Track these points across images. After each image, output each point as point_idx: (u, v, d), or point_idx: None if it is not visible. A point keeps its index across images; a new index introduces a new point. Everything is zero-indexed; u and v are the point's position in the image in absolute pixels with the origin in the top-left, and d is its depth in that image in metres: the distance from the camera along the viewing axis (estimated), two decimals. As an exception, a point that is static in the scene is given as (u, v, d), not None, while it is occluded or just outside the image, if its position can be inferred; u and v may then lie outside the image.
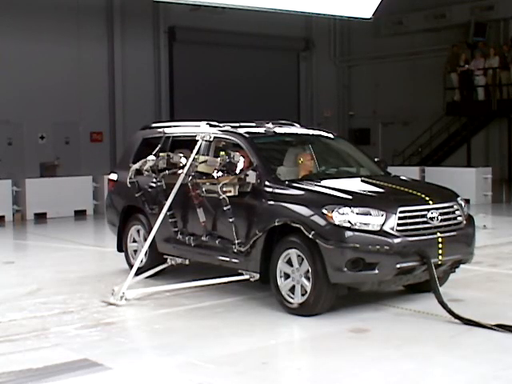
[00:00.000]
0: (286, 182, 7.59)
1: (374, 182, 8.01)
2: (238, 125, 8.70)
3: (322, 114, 26.98)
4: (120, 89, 22.13)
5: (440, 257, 7.09)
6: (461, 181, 17.88)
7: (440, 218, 7.22)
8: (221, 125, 8.63)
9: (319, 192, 7.35)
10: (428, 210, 7.18)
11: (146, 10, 22.25)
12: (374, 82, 26.01)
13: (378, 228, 6.86)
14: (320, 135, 9.11)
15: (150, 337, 6.76)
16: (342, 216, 6.85)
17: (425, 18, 24.32)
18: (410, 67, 24.76)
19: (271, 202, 7.39)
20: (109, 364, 5.75)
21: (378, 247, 6.77)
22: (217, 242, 7.89)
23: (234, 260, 7.74)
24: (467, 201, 17.35)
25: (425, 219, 7.11)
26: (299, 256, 7.07)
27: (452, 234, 7.28)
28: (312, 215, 6.99)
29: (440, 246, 7.09)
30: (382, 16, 21.36)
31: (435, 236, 7.10)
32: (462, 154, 23.19)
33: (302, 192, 7.38)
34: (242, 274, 7.75)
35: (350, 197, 7.14)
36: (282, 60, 25.92)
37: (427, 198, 7.31)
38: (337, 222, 6.84)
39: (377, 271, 6.80)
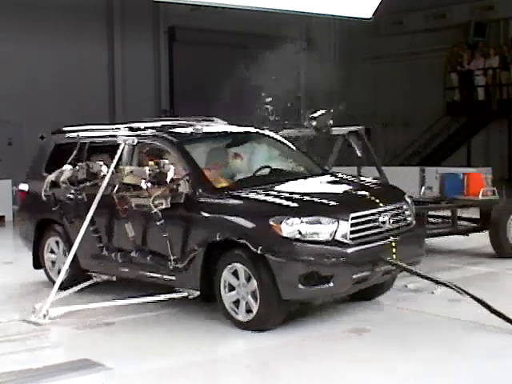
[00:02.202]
0: (225, 191, 6.98)
1: (318, 184, 7.51)
2: (159, 125, 8.00)
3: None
4: (120, 88, 22.11)
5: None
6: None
7: (391, 220, 6.82)
8: (142, 127, 7.88)
9: (263, 201, 6.76)
10: (379, 213, 6.75)
11: (145, 10, 22.23)
12: (374, 81, 25.99)
13: (331, 237, 6.37)
14: (254, 133, 8.38)
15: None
16: (292, 227, 6.32)
17: (425, 17, 24.29)
18: (409, 67, 24.72)
19: (208, 214, 6.79)
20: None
21: (333, 259, 6.30)
22: (148, 258, 7.27)
23: (169, 277, 7.13)
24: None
25: (377, 224, 6.69)
26: (247, 273, 6.53)
27: (404, 236, 6.89)
28: (258, 228, 6.45)
29: (394, 250, 6.69)
30: (382, 16, 21.30)
31: (388, 241, 6.69)
32: (461, 154, 23.18)
33: (243, 202, 6.79)
34: (178, 291, 7.17)
35: (297, 205, 6.61)
36: (281, 60, 25.90)
37: (377, 201, 6.88)
38: (286, 234, 6.31)
39: (332, 284, 6.33)
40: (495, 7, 22.64)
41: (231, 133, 8.32)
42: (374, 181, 7.96)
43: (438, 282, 6.88)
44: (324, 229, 6.37)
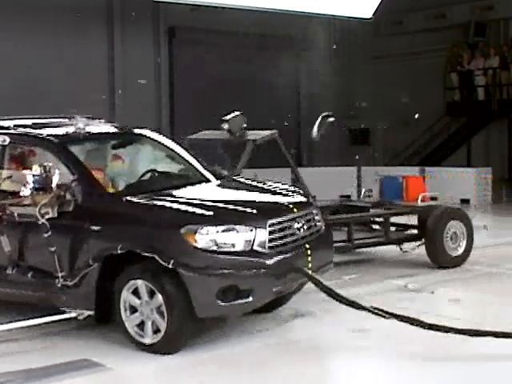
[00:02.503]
0: (122, 197, 6.29)
1: (225, 190, 7.07)
2: (32, 123, 7.14)
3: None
4: (120, 88, 22.11)
5: (310, 271, 6.32)
6: (461, 181, 17.92)
7: (305, 226, 6.46)
8: (8, 124, 6.98)
9: (170, 208, 6.12)
10: (294, 219, 6.36)
11: (145, 10, 22.23)
12: (374, 81, 25.97)
13: (248, 247, 5.89)
14: (138, 134, 7.59)
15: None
16: (207, 237, 5.77)
17: (425, 18, 24.28)
18: (409, 67, 24.72)
19: (103, 224, 6.03)
20: None
21: (253, 270, 5.83)
22: (29, 275, 6.36)
23: (55, 296, 6.26)
24: (467, 201, 17.51)
25: (292, 230, 6.29)
26: (148, 287, 5.88)
27: (316, 242, 6.57)
28: (168, 239, 5.81)
29: (309, 259, 6.35)
30: (382, 16, 21.31)
31: (303, 248, 6.34)
32: (462, 154, 23.17)
33: (146, 209, 6.14)
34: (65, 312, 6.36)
35: (211, 212, 6.02)
36: (282, 60, 25.89)
37: (291, 206, 6.49)
38: (201, 246, 5.74)
39: (251, 298, 5.86)
40: (495, 7, 22.63)
41: (113, 133, 7.53)
42: (284, 185, 7.44)
43: (348, 303, 6.21)
44: (241, 238, 5.87)
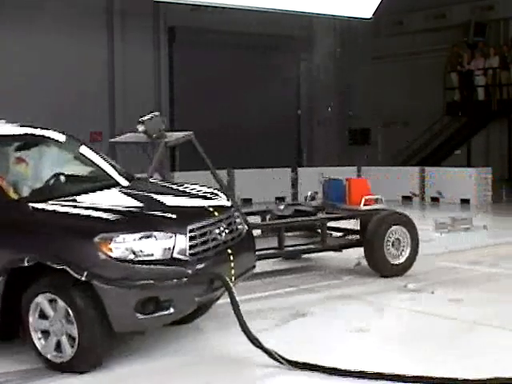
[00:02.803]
0: (28, 204, 5.74)
1: (141, 194, 6.52)
2: None
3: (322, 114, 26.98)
4: (120, 88, 22.11)
5: (233, 278, 6.00)
6: (461, 181, 17.92)
7: (226, 230, 6.10)
8: None
9: (81, 215, 5.68)
10: (215, 223, 6.00)
11: (145, 10, 22.24)
12: (373, 81, 25.98)
13: (169, 255, 5.51)
14: (47, 137, 7.01)
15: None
16: (123, 245, 5.36)
17: (425, 18, 24.29)
18: (410, 67, 24.72)
19: (6, 235, 5.56)
20: None
21: (174, 280, 5.45)
22: None
23: None
24: (467, 201, 17.53)
25: (213, 235, 5.92)
26: (59, 303, 5.42)
27: (238, 247, 6.22)
28: (80, 249, 5.36)
29: (232, 265, 6.01)
30: (382, 16, 21.32)
31: (225, 254, 5.99)
32: (462, 154, 23.18)
33: (55, 217, 5.63)
34: None
35: (127, 219, 5.64)
36: (282, 60, 25.89)
37: (211, 209, 6.13)
38: (116, 255, 5.33)
39: (172, 310, 5.49)
40: (495, 7, 22.64)
41: (16, 135, 6.85)
42: (203, 188, 6.96)
43: (253, 342, 5.72)
44: (160, 245, 5.49)
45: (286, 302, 7.73)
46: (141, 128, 8.82)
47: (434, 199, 18.20)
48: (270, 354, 5.61)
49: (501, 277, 9.02)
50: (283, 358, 5.59)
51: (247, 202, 17.20)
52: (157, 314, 5.45)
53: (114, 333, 5.50)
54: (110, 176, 6.79)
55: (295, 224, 9.32)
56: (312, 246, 9.08)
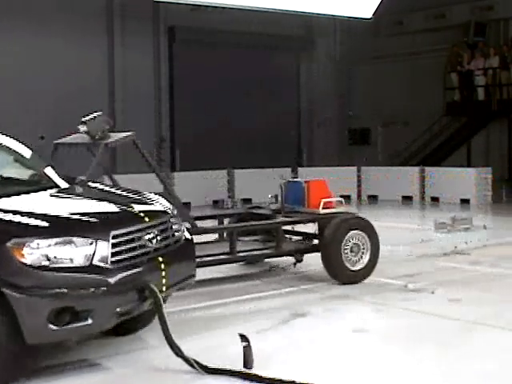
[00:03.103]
0: None
1: (68, 198, 6.23)
2: None
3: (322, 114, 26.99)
4: (120, 88, 22.12)
5: (164, 288, 5.68)
6: (461, 181, 17.93)
7: (159, 237, 5.77)
8: None
9: None
10: (144, 229, 5.68)
11: (145, 10, 22.23)
12: (374, 81, 25.99)
13: (87, 262, 5.21)
14: None
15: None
16: (37, 251, 5.05)
17: (425, 18, 24.28)
18: (410, 67, 24.72)
19: None
20: None
21: (92, 289, 5.15)
22: None
23: None
24: (467, 201, 17.54)
25: (142, 242, 5.61)
26: None
27: (173, 255, 5.88)
28: None
29: (163, 273, 5.67)
30: (382, 16, 21.34)
31: (156, 262, 5.65)
32: (462, 154, 23.18)
33: None
34: None
35: (46, 223, 5.29)
36: (282, 60, 25.90)
37: (142, 215, 5.81)
38: (30, 261, 5.02)
39: (90, 321, 5.17)
40: (495, 7, 22.64)
41: None
42: (143, 193, 6.70)
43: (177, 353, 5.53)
44: (78, 252, 5.21)
45: (286, 302, 7.73)
46: (82, 128, 8.40)
47: (434, 199, 18.22)
48: (191, 364, 5.44)
49: (501, 277, 9.02)
50: (202, 366, 5.43)
51: (247, 202, 17.20)
52: (73, 326, 5.14)
53: (27, 345, 5.11)
54: (47, 179, 6.48)
55: (249, 228, 9.05)
56: (266, 251, 8.75)
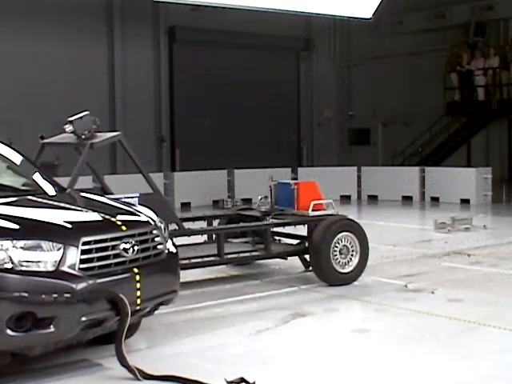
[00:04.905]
0: None
1: (45, 203, 6.07)
2: None
3: (321, 114, 26.98)
4: (120, 88, 22.12)
5: (138, 300, 5.50)
6: (461, 181, 17.93)
7: (136, 248, 5.61)
8: None
9: None
10: (120, 238, 5.52)
11: (145, 10, 22.24)
12: (374, 81, 25.99)
13: (53, 268, 5.09)
14: None
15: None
16: (2, 253, 4.99)
17: (425, 17, 24.28)
18: (410, 67, 24.73)
19: None
20: None
21: (55, 296, 4.99)
22: None
23: None
24: (467, 201, 17.54)
25: (117, 251, 5.46)
26: None
27: (152, 268, 5.71)
28: None
29: (138, 285, 5.49)
30: (382, 16, 21.32)
31: (131, 273, 5.48)
32: (461, 154, 23.19)
33: None
34: None
35: (17, 226, 5.21)
36: (282, 60, 25.90)
37: (119, 223, 5.66)
38: None
39: (53, 329, 5.01)
40: (495, 7, 22.64)
41: None
42: (131, 202, 6.66)
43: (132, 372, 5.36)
44: (45, 256, 5.09)
45: (286, 302, 7.73)
46: (68, 128, 8.27)
47: (434, 199, 18.22)
48: (133, 373, 5.32)
49: (501, 277, 9.02)
50: (144, 374, 5.32)
51: (247, 202, 17.20)
52: (33, 333, 4.98)
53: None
54: (38, 185, 6.43)
55: (237, 230, 8.97)
56: (255, 253, 8.64)
